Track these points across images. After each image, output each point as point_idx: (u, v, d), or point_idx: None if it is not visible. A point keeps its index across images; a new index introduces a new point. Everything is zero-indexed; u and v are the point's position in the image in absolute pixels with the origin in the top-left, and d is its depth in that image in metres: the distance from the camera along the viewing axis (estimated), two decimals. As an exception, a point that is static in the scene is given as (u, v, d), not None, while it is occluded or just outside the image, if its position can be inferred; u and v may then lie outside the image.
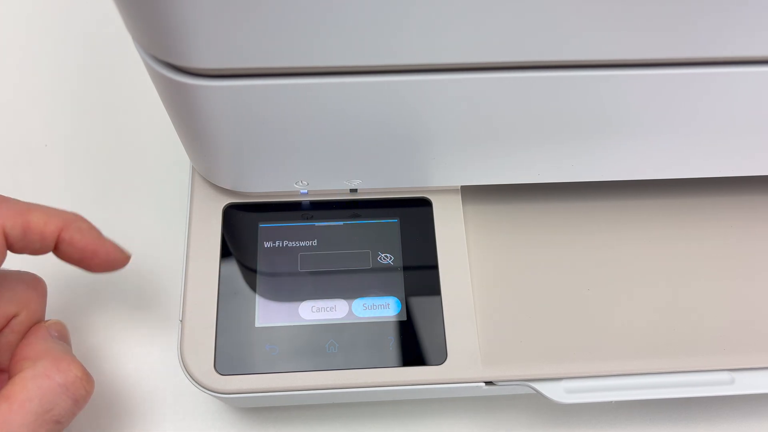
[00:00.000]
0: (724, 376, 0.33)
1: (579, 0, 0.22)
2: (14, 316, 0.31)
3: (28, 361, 0.29)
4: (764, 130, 0.31)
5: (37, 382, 0.28)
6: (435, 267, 0.35)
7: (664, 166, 0.34)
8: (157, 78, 0.26)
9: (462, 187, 0.37)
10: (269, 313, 0.33)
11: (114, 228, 0.42)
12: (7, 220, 0.29)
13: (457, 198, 0.36)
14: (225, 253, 0.35)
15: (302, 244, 0.35)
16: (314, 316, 0.33)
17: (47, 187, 0.43)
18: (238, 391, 0.31)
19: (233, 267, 0.34)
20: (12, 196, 0.43)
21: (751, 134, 0.31)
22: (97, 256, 0.32)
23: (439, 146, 0.31)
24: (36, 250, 0.31)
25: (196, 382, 0.32)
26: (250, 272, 0.34)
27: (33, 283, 0.32)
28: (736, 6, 0.22)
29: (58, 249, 0.31)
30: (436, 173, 0.34)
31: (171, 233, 0.41)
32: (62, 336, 0.32)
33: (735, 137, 0.31)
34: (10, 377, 0.29)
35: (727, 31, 0.24)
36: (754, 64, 0.26)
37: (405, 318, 0.34)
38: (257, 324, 0.33)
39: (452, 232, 0.36)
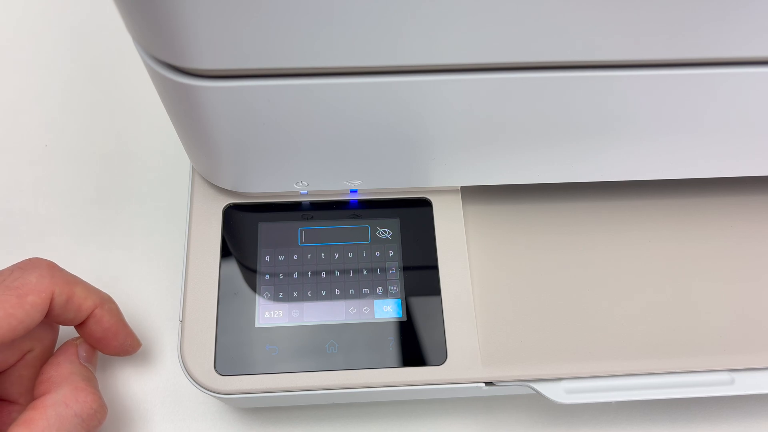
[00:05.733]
0: (724, 376, 0.33)
1: (579, 1, 0.22)
2: (29, 351, 0.33)
3: (53, 384, 0.31)
4: (764, 131, 0.31)
5: (57, 410, 0.30)
6: (435, 267, 0.35)
7: (664, 166, 0.34)
8: (157, 79, 0.26)
9: (462, 187, 0.37)
10: (269, 313, 0.33)
11: (114, 228, 0.42)
12: (58, 287, 0.31)
13: (457, 198, 0.36)
14: (225, 253, 0.35)
15: (302, 244, 0.35)
16: (314, 316, 0.33)
17: (47, 187, 0.43)
18: (238, 392, 0.31)
19: (233, 267, 0.34)
20: (12, 198, 0.43)
21: (752, 135, 0.31)
22: (116, 339, 0.34)
23: (440, 147, 0.31)
24: (66, 321, 0.33)
25: (196, 382, 0.32)
26: (250, 272, 0.34)
27: (48, 320, 0.33)
28: (736, 7, 0.22)
29: (84, 324, 0.33)
30: (436, 174, 0.34)
31: (171, 233, 0.41)
32: (89, 358, 0.34)
33: (736, 138, 0.31)
34: (35, 395, 0.31)
35: (727, 32, 0.23)
36: (754, 65, 0.26)
37: (405, 318, 0.34)
38: (257, 324, 0.33)
39: (452, 232, 0.36)
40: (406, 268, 0.35)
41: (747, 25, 0.23)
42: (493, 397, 0.38)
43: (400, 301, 0.34)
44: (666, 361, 0.33)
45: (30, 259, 0.32)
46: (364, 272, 0.35)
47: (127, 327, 0.35)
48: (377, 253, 0.35)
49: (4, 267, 0.31)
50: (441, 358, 0.33)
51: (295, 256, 0.35)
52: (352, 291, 0.34)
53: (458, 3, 0.21)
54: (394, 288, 0.34)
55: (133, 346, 0.35)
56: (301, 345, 0.33)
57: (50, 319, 0.32)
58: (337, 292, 0.34)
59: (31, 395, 0.32)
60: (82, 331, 0.34)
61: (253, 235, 0.35)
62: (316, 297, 0.34)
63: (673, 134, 0.30)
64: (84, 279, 0.34)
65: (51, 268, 0.31)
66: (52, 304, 0.31)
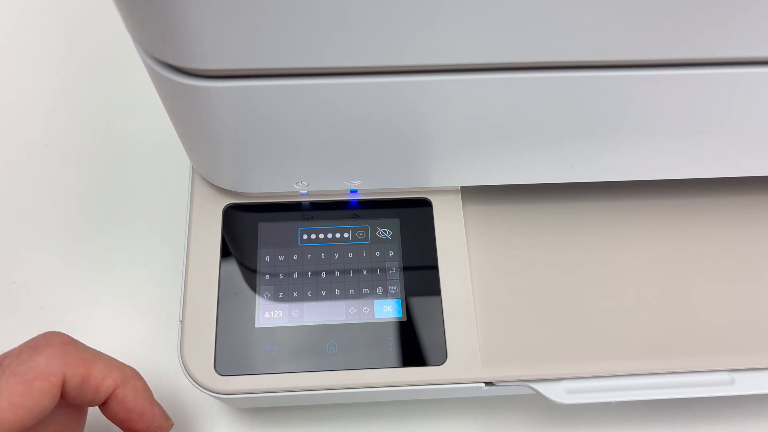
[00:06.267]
0: (724, 376, 0.33)
1: (581, 1, 0.22)
2: None
3: None
4: (764, 131, 0.31)
5: None
6: (435, 267, 0.35)
7: (665, 167, 0.34)
8: (157, 79, 0.26)
9: (462, 187, 0.37)
10: (269, 314, 0.33)
11: (114, 228, 0.42)
12: (70, 368, 0.28)
13: (457, 198, 0.36)
14: (225, 253, 0.35)
15: (302, 244, 0.35)
16: (314, 316, 0.33)
17: (47, 187, 0.43)
18: (238, 392, 0.31)
19: (233, 267, 0.34)
20: (13, 200, 0.43)
21: (754, 135, 0.31)
22: (142, 421, 0.31)
23: (440, 147, 0.31)
24: (84, 403, 0.30)
25: (196, 382, 0.32)
26: (250, 272, 0.34)
27: (66, 402, 0.30)
28: (738, 7, 0.22)
29: (106, 405, 0.30)
30: (436, 174, 0.34)
31: (171, 233, 0.41)
32: None
33: (737, 139, 0.31)
34: None
35: (729, 32, 0.23)
36: (756, 65, 0.26)
37: (405, 318, 0.34)
38: (257, 324, 0.33)
39: (452, 232, 0.36)
40: (406, 268, 0.35)
41: (749, 26, 0.23)
42: (493, 397, 0.38)
43: (400, 301, 0.34)
44: (666, 361, 0.33)
45: (43, 334, 0.29)
46: (364, 272, 0.35)
47: (155, 407, 0.31)
48: (377, 253, 0.35)
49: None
50: (441, 358, 0.33)
51: (295, 256, 0.35)
52: (352, 291, 0.34)
53: (459, 3, 0.21)
54: (394, 288, 0.34)
55: (162, 429, 0.32)
56: (301, 345, 0.33)
57: (66, 401, 0.29)
58: (337, 292, 0.34)
59: None
60: (104, 412, 0.31)
61: (253, 235, 0.35)
62: (316, 297, 0.34)
63: (674, 135, 0.30)
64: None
65: (64, 345, 0.29)
66: (65, 388, 0.28)
